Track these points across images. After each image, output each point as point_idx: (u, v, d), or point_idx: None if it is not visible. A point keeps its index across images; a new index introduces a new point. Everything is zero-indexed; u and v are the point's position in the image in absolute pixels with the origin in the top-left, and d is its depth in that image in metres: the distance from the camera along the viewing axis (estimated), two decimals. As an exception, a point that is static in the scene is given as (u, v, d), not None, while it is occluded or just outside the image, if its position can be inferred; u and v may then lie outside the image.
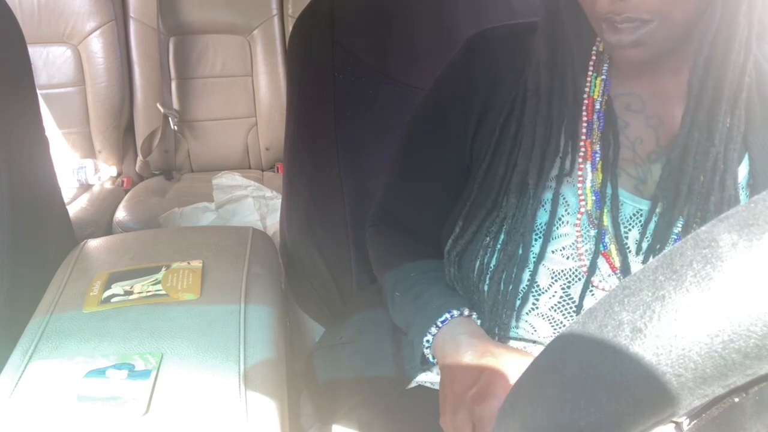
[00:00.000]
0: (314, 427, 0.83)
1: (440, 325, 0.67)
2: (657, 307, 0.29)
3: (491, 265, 0.67)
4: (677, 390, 0.29)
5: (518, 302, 0.67)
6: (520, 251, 0.65)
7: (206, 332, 0.78)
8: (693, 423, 0.33)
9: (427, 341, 0.68)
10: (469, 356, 0.63)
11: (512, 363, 0.61)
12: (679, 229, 0.64)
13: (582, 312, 0.65)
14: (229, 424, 0.67)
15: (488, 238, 0.68)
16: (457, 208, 0.72)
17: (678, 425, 0.61)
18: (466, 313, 0.68)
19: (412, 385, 0.77)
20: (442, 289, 0.72)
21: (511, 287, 0.66)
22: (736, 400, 0.31)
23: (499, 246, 0.67)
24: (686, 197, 0.62)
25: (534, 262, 0.66)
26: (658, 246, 0.64)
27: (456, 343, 0.65)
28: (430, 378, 0.76)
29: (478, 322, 0.69)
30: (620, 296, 0.31)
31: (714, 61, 0.59)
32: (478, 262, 0.68)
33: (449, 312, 0.67)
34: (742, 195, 0.64)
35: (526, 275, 0.66)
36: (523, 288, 0.67)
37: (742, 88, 0.60)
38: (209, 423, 0.67)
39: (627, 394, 0.30)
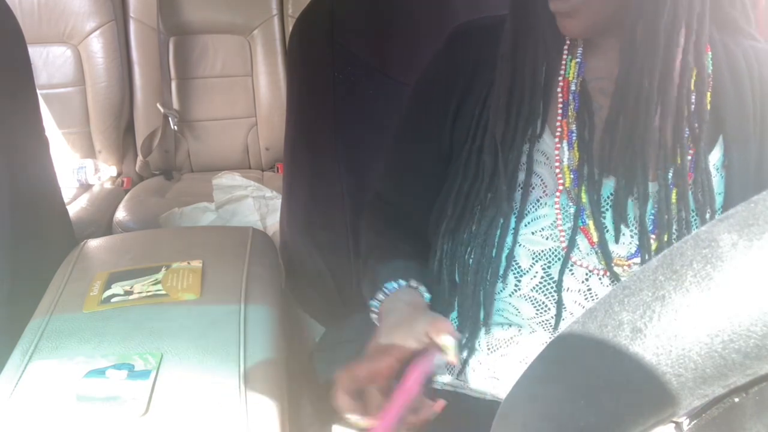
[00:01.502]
0: (314, 427, 0.83)
1: (387, 291, 0.71)
2: (657, 307, 0.29)
3: (474, 236, 0.70)
4: (677, 390, 0.29)
5: (499, 281, 0.69)
6: (501, 220, 0.68)
7: (206, 332, 0.78)
8: (693, 423, 0.33)
9: (374, 305, 0.71)
10: (390, 324, 0.66)
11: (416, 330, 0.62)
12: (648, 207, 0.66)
13: (561, 290, 0.67)
14: (229, 424, 0.67)
15: (475, 210, 0.70)
16: (445, 193, 0.74)
17: (678, 425, 0.62)
18: (414, 284, 0.71)
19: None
20: (398, 259, 0.74)
21: (491, 265, 0.69)
22: (736, 400, 0.30)
23: (485, 206, 0.70)
24: (629, 173, 0.64)
25: (512, 234, 0.68)
26: (621, 223, 0.66)
27: (393, 311, 0.68)
28: (430, 378, 0.76)
29: (426, 296, 0.71)
30: (620, 296, 0.31)
31: (640, 42, 0.61)
32: (465, 234, 0.70)
33: (396, 281, 0.70)
34: (718, 176, 0.66)
35: (505, 250, 0.68)
36: (504, 261, 0.69)
37: (688, 66, 0.61)
38: (209, 423, 0.67)
39: (627, 394, 0.30)
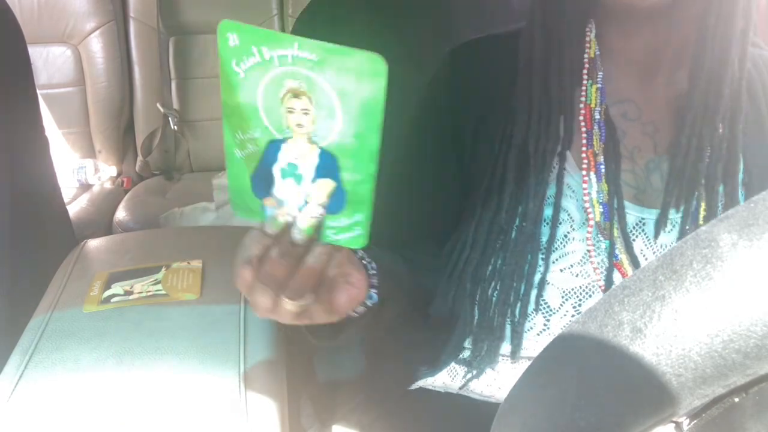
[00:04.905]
0: (314, 427, 0.83)
1: None
2: (657, 307, 0.29)
3: (499, 274, 0.65)
4: (677, 390, 0.29)
5: (528, 321, 0.65)
6: (528, 257, 0.63)
7: (206, 332, 0.78)
8: (693, 423, 0.33)
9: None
10: None
11: None
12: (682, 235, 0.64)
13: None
14: (229, 424, 0.67)
15: (497, 246, 0.65)
16: (463, 226, 0.67)
17: (678, 425, 0.61)
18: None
19: (413, 386, 0.77)
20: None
21: (519, 304, 0.64)
22: (736, 400, 0.30)
23: (510, 242, 0.64)
24: (686, 201, 0.62)
25: (540, 275, 0.64)
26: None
27: None
28: (430, 380, 0.76)
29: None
30: (620, 296, 0.31)
31: (714, 58, 0.59)
32: (488, 270, 0.65)
33: None
34: (739, 193, 0.64)
35: (534, 291, 0.64)
36: (532, 306, 0.65)
37: (741, 92, 0.60)
38: (209, 423, 0.67)
39: (627, 394, 0.30)
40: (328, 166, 0.41)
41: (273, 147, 0.42)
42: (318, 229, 0.43)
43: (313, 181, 0.42)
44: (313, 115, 0.39)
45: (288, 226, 0.43)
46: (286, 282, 0.43)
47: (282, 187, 0.43)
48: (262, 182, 0.43)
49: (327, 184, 0.42)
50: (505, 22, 0.71)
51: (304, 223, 0.43)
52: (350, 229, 0.44)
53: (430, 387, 0.76)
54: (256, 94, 0.40)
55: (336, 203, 0.43)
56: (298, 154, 0.42)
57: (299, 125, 0.40)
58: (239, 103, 0.40)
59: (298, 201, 0.43)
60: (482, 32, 0.71)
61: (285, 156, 0.42)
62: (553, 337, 0.65)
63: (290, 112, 0.40)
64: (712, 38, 0.59)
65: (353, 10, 0.99)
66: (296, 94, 0.39)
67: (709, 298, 0.28)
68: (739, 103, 0.61)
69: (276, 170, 0.43)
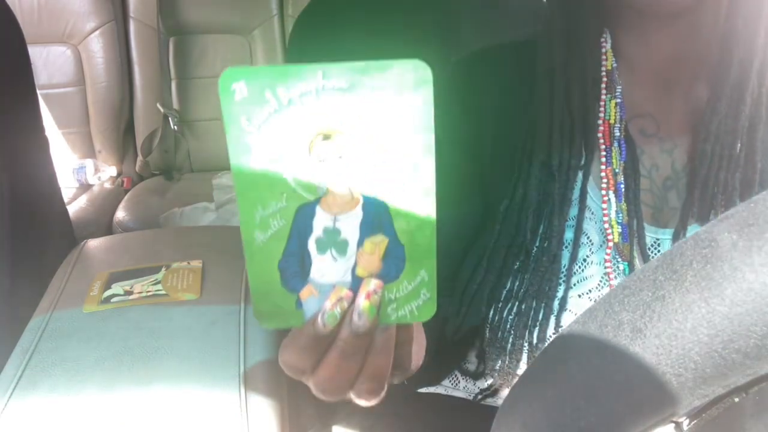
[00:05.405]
0: (314, 428, 0.83)
1: None
2: (657, 307, 0.29)
3: (516, 296, 0.63)
4: (677, 390, 0.29)
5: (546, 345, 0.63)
6: (549, 280, 0.61)
7: (206, 332, 0.78)
8: (693, 423, 0.33)
9: None
10: None
11: None
12: None
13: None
14: (229, 425, 0.67)
15: (517, 267, 0.63)
16: (476, 247, 0.65)
17: (678, 425, 0.61)
18: None
19: (414, 390, 0.77)
20: None
21: (538, 329, 0.62)
22: (736, 400, 0.30)
23: (530, 263, 0.62)
24: (704, 215, 0.61)
25: (559, 299, 0.62)
26: None
27: None
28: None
29: None
30: (620, 296, 0.31)
31: (739, 63, 0.57)
32: (504, 292, 0.63)
33: None
34: None
35: (552, 317, 0.62)
36: (551, 330, 0.63)
37: (761, 100, 0.58)
38: (209, 423, 0.67)
39: (627, 394, 0.30)
40: (375, 217, 0.33)
41: (304, 214, 0.33)
42: (378, 307, 0.34)
43: (360, 244, 0.34)
44: (350, 158, 0.32)
45: (343, 317, 0.34)
46: (353, 382, 0.37)
47: (322, 265, 0.34)
48: (296, 267, 0.34)
49: (379, 243, 0.34)
50: (510, 29, 0.69)
51: (363, 305, 0.34)
52: (415, 296, 0.35)
53: (432, 390, 0.77)
54: (277, 151, 0.31)
55: (393, 265, 0.34)
56: (337, 213, 0.33)
57: (334, 175, 0.32)
58: (256, 169, 0.32)
59: (346, 277, 0.34)
60: (488, 41, 0.68)
61: (321, 221, 0.33)
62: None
63: (322, 161, 0.32)
64: (737, 42, 0.57)
65: (354, 11, 0.99)
66: (327, 136, 0.31)
67: (709, 298, 0.28)
68: (759, 111, 0.59)
69: (311, 245, 0.34)
